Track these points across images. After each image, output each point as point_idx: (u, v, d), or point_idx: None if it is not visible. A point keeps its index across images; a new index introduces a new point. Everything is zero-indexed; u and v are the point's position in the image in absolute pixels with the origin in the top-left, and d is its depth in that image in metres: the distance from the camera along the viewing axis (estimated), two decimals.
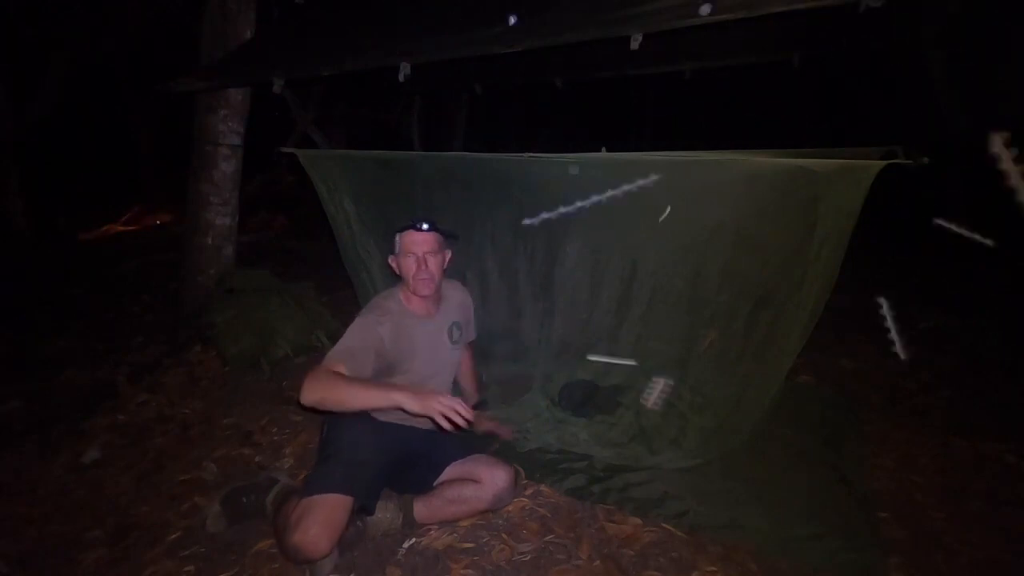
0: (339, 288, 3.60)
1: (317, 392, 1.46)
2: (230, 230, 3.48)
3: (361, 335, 1.66)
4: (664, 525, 1.73)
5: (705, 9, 1.64)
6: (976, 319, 3.36)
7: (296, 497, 1.61)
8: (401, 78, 2.15)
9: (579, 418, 2.31)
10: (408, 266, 1.74)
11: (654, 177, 1.87)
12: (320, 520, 1.45)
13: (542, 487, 1.91)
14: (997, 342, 3.06)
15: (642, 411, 2.30)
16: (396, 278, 1.87)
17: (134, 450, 2.29)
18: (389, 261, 1.84)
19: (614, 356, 2.49)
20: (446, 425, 1.41)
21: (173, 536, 1.78)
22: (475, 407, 2.10)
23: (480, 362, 2.63)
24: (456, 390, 2.16)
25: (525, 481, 1.93)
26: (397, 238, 1.78)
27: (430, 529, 1.71)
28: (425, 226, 1.74)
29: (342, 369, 1.52)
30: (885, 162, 1.40)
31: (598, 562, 1.59)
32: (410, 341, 1.76)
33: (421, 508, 1.70)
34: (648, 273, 2.29)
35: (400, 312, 1.77)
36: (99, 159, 8.73)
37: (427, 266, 1.73)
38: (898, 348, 2.29)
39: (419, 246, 1.73)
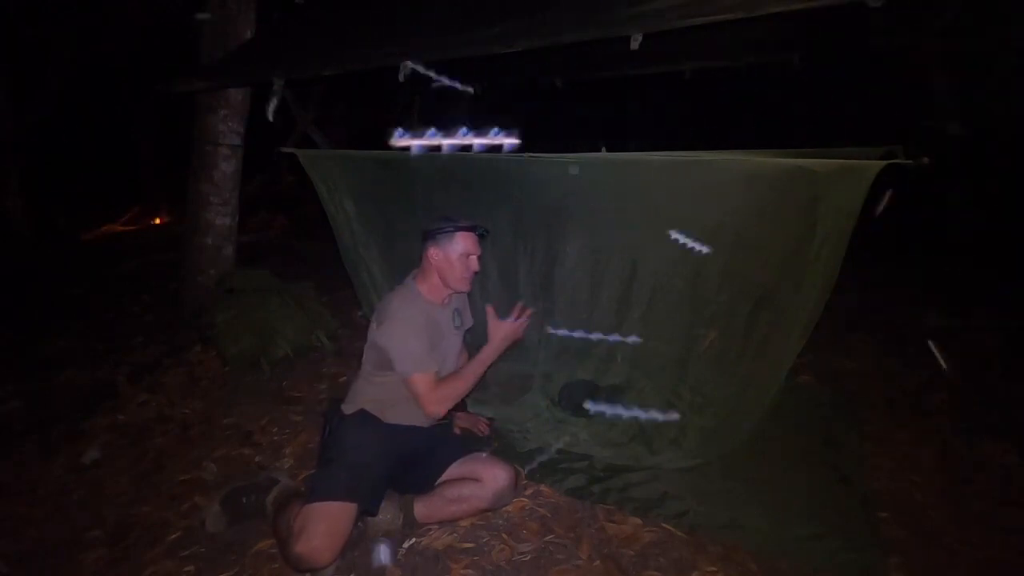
0: (339, 288, 3.60)
1: (447, 404, 1.74)
2: (230, 230, 3.48)
3: (421, 335, 1.71)
4: (664, 525, 1.73)
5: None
6: (976, 319, 3.36)
7: (298, 501, 1.61)
8: (401, 78, 2.15)
9: (579, 418, 2.31)
10: (463, 266, 1.78)
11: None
12: (324, 530, 1.45)
13: (542, 487, 1.91)
14: (997, 342, 3.06)
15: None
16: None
17: (134, 450, 2.29)
18: (430, 252, 1.79)
19: (612, 355, 2.49)
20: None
21: (173, 536, 1.78)
22: (454, 409, 2.11)
23: None
24: None
25: (525, 481, 1.93)
26: (455, 236, 1.77)
27: (430, 529, 1.71)
28: (484, 231, 1.85)
29: (434, 371, 1.73)
30: (885, 162, 1.40)
31: (598, 562, 1.59)
32: (436, 327, 1.81)
33: (421, 508, 1.70)
34: (648, 273, 2.29)
35: (422, 301, 1.80)
36: (99, 159, 8.73)
37: (476, 267, 1.83)
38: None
39: (477, 249, 1.81)
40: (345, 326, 3.29)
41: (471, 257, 1.79)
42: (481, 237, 1.83)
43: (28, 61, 5.94)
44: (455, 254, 1.77)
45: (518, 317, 1.85)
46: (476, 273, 1.84)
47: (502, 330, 1.81)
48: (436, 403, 1.71)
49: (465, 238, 1.78)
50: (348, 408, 1.78)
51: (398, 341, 1.68)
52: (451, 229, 1.77)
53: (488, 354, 1.80)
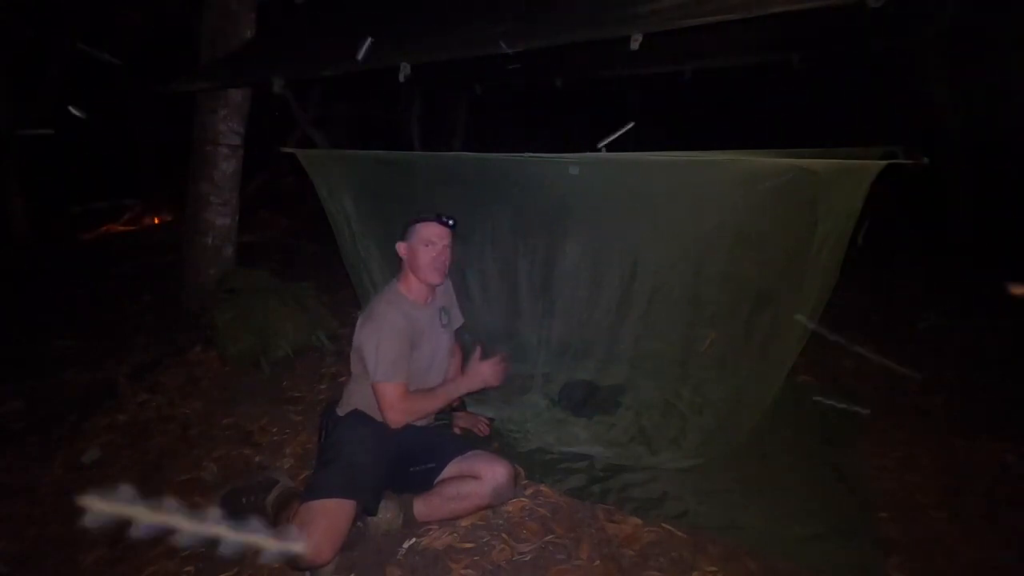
0: (339, 288, 3.60)
1: (408, 417, 1.73)
2: (230, 230, 3.48)
3: (396, 343, 1.70)
4: (664, 525, 1.73)
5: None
6: (976, 319, 3.36)
7: (297, 502, 1.61)
8: (401, 78, 2.15)
9: (579, 418, 2.31)
10: (425, 254, 1.77)
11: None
12: (323, 528, 1.45)
13: (542, 487, 1.91)
14: (997, 342, 3.06)
15: (642, 411, 2.31)
16: (395, 270, 1.90)
17: (134, 450, 2.29)
18: (398, 247, 1.82)
19: (612, 355, 2.49)
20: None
21: (173, 536, 1.78)
22: (453, 409, 2.12)
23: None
24: None
25: (525, 481, 1.93)
26: (416, 226, 1.79)
27: (430, 528, 1.71)
28: (451, 222, 1.83)
29: (403, 382, 1.71)
30: (885, 162, 1.40)
31: (598, 562, 1.59)
32: (419, 328, 1.81)
33: (421, 507, 1.71)
34: (648, 273, 2.29)
35: (404, 302, 1.80)
36: (99, 159, 8.72)
37: (444, 257, 1.81)
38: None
39: (441, 238, 1.80)
40: (345, 326, 3.29)
41: (435, 245, 1.78)
42: (448, 227, 1.81)
43: (28, 61, 5.95)
44: (417, 243, 1.77)
45: (500, 363, 1.89)
46: (446, 263, 1.83)
47: (481, 371, 1.84)
48: (398, 414, 1.70)
49: (425, 227, 1.78)
50: (342, 409, 1.79)
51: (372, 345, 1.68)
52: (411, 222, 1.80)
53: (461, 385, 1.85)
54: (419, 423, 1.84)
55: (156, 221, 7.65)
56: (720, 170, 1.77)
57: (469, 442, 1.95)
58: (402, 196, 2.44)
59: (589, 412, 2.33)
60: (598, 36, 1.91)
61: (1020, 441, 2.15)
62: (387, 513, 1.68)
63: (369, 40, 2.20)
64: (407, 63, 2.13)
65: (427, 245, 1.77)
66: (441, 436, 1.91)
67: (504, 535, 1.69)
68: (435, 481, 1.73)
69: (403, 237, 1.81)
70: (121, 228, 7.39)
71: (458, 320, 2.06)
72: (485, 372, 1.84)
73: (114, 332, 3.49)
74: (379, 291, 2.45)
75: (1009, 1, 3.42)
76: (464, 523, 1.73)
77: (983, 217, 4.95)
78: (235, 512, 1.76)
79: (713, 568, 1.57)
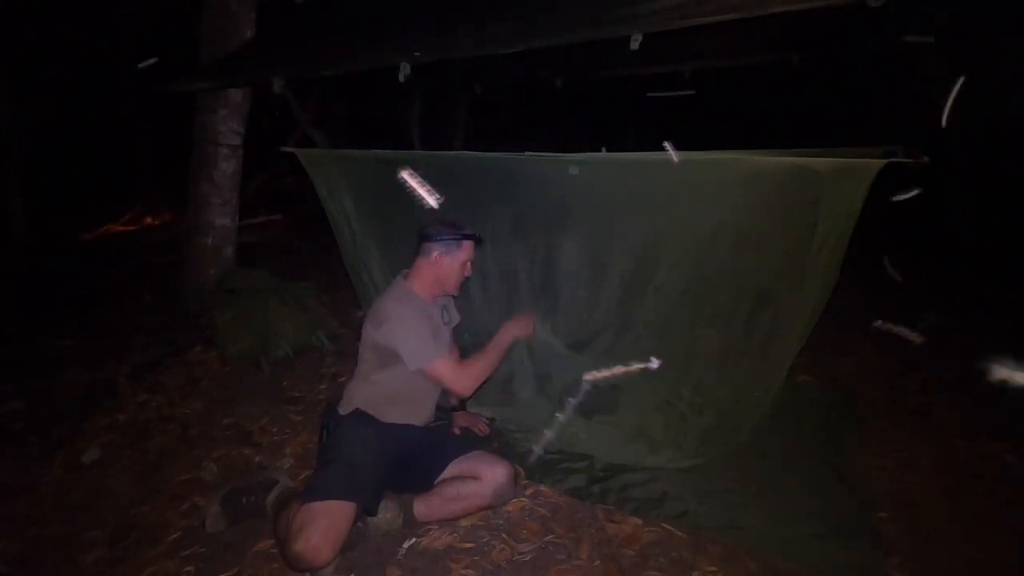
0: (339, 288, 3.60)
1: (475, 383, 1.83)
2: (230, 230, 3.48)
3: (423, 328, 1.76)
4: (664, 525, 1.73)
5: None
6: (976, 319, 3.36)
7: (297, 502, 1.61)
8: (401, 78, 2.15)
9: (579, 418, 2.31)
10: (463, 271, 1.88)
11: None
12: (322, 529, 1.45)
13: (542, 487, 1.91)
14: (997, 342, 3.06)
15: (642, 411, 2.30)
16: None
17: (134, 450, 2.29)
18: (436, 256, 1.83)
19: (613, 360, 2.49)
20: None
21: (173, 536, 1.78)
22: (452, 409, 2.13)
23: None
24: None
25: (525, 481, 1.93)
26: (464, 244, 1.86)
27: (430, 529, 1.71)
28: (481, 239, 1.96)
29: (447, 358, 1.79)
30: (885, 161, 1.40)
31: (598, 562, 1.59)
32: (432, 322, 1.84)
33: (421, 507, 1.71)
34: (648, 273, 2.28)
35: (415, 299, 1.83)
36: (99, 159, 8.72)
37: (470, 272, 1.94)
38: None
39: (474, 255, 1.91)
40: (345, 326, 3.29)
41: (471, 263, 1.88)
42: (478, 244, 1.92)
43: (28, 61, 5.95)
44: (458, 262, 1.85)
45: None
46: (467, 278, 1.93)
47: (511, 324, 1.97)
48: (464, 381, 1.79)
49: (469, 247, 1.87)
50: (344, 409, 1.79)
51: (406, 338, 1.71)
52: (459, 237, 1.84)
53: (503, 337, 1.93)
54: (419, 423, 1.84)
55: (156, 221, 7.65)
56: (720, 170, 1.77)
57: (469, 442, 1.95)
58: (402, 196, 2.43)
59: (589, 412, 2.33)
60: (598, 36, 1.91)
61: (1020, 441, 2.15)
62: (387, 513, 1.68)
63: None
64: (407, 63, 2.13)
65: (467, 264, 1.87)
66: (441, 436, 1.91)
67: (504, 535, 1.69)
68: (435, 481, 1.73)
69: (444, 246, 1.82)
70: (121, 228, 7.40)
71: (456, 318, 2.07)
72: (517, 323, 1.98)
73: (114, 332, 3.49)
74: (381, 290, 2.46)
75: (1009, 1, 3.42)
76: (464, 523, 1.73)
77: (983, 217, 4.95)
78: (235, 512, 1.77)
79: (713, 568, 1.57)
